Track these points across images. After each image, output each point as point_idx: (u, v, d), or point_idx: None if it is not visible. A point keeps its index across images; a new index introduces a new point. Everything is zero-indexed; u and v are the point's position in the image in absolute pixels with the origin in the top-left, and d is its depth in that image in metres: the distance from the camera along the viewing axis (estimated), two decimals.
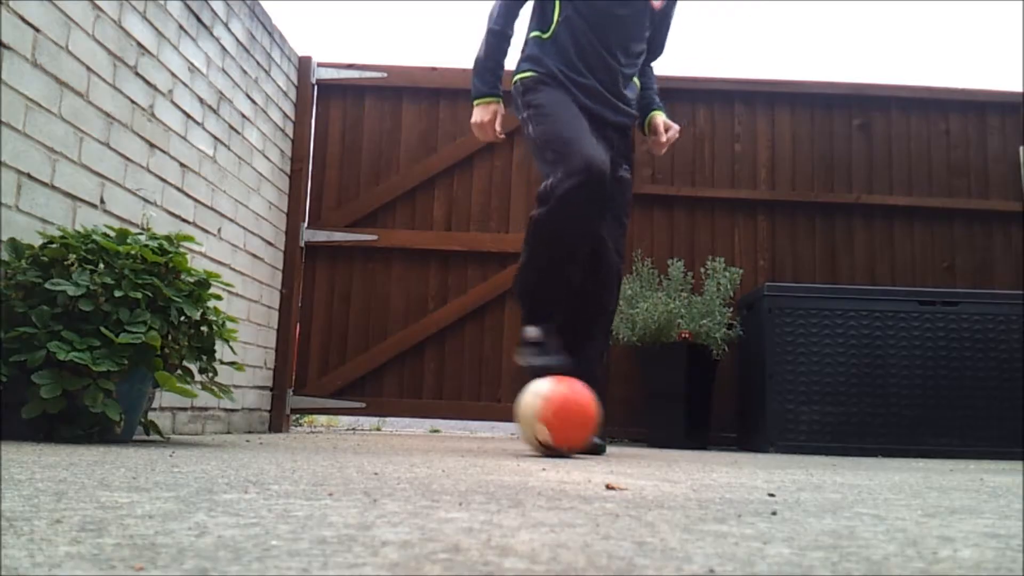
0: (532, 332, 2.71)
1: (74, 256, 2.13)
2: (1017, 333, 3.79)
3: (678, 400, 4.04)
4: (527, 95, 2.80)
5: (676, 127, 3.04)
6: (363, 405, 4.51)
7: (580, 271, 2.72)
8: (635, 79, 2.95)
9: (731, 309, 4.21)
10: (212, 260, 3.45)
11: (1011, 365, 3.76)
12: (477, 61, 2.86)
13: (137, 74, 2.89)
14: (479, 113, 2.84)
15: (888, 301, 3.86)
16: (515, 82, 2.88)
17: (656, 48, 3.07)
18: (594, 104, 2.79)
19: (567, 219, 2.58)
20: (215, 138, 3.49)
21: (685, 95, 4.71)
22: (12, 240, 2.15)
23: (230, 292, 3.59)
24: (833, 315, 3.85)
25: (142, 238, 2.27)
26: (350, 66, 4.75)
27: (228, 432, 3.71)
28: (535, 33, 2.86)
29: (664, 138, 3.00)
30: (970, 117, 4.81)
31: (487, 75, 2.84)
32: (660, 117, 3.04)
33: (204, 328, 2.37)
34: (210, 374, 2.41)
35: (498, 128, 2.86)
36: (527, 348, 2.72)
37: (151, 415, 2.65)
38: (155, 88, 3.01)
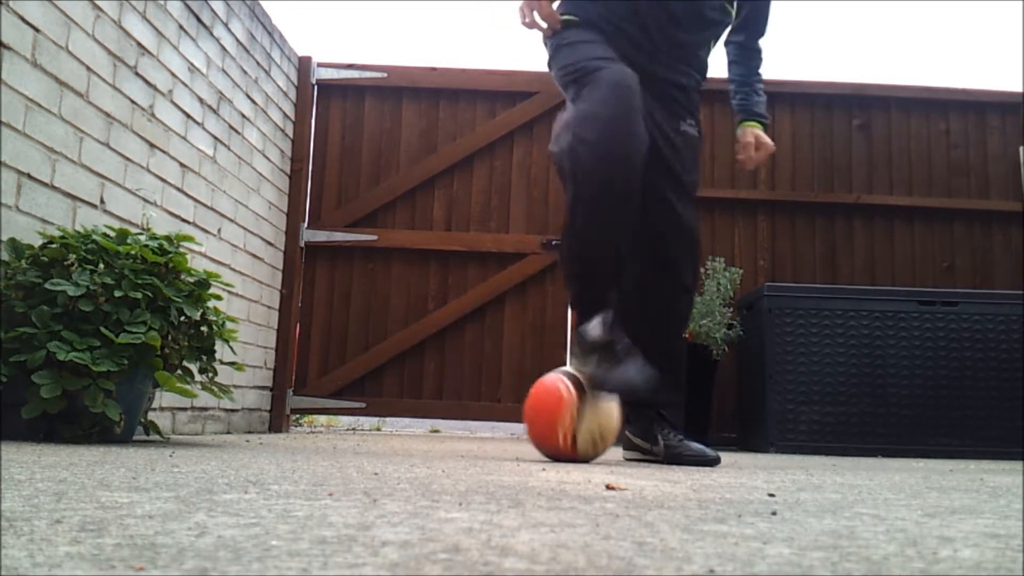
0: (594, 330, 2.07)
1: (74, 256, 2.13)
2: (1017, 333, 3.79)
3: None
4: (555, 36, 2.35)
5: (769, 146, 2.57)
6: (363, 405, 4.51)
7: (633, 221, 2.16)
8: (713, 43, 2.49)
9: (731, 309, 4.21)
10: (212, 260, 3.45)
11: (1011, 365, 3.76)
12: None
13: (137, 74, 2.89)
14: None
15: (888, 301, 3.86)
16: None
17: (754, 18, 2.55)
18: (640, 55, 2.31)
19: (597, 139, 2.06)
20: (215, 138, 3.49)
21: None
22: (12, 240, 2.15)
23: (230, 292, 3.59)
24: (833, 315, 3.85)
25: (142, 238, 2.27)
26: (350, 66, 4.75)
27: (228, 432, 3.71)
28: None
29: (752, 155, 2.55)
30: (970, 117, 4.81)
31: None
32: (751, 131, 2.56)
33: (204, 328, 2.37)
34: (210, 374, 2.41)
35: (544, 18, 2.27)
36: (590, 355, 2.07)
37: (151, 415, 2.65)
38: (155, 88, 3.01)
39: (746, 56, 2.61)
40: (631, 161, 2.10)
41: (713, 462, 2.22)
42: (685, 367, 2.49)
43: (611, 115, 2.09)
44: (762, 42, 2.64)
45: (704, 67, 2.51)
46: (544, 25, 2.30)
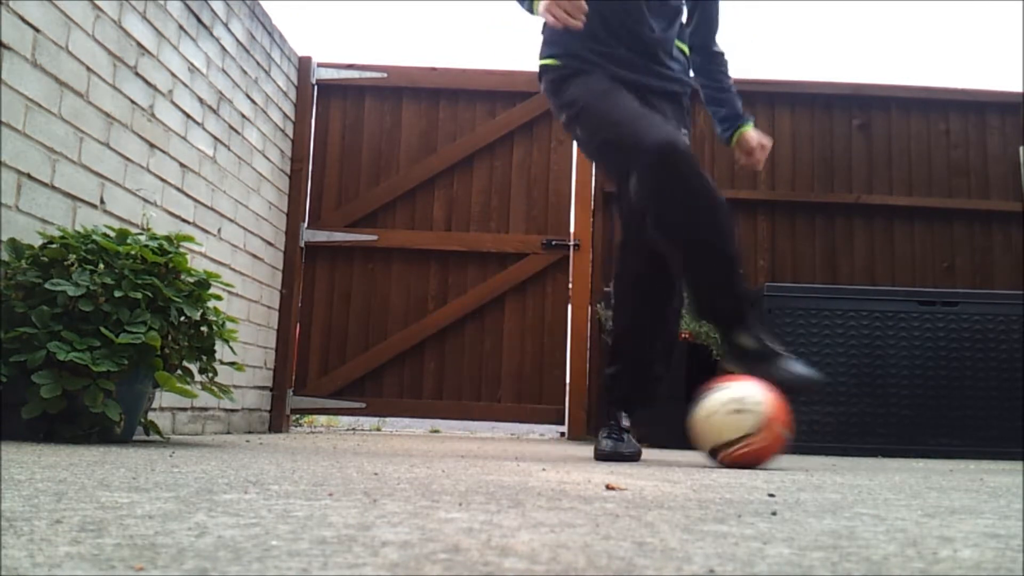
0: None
1: (74, 256, 2.13)
2: (1017, 333, 3.79)
3: (678, 400, 4.03)
4: (558, 96, 2.42)
5: (768, 141, 2.71)
6: (363, 405, 4.51)
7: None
8: (680, 46, 2.57)
9: None
10: (212, 260, 3.45)
11: (1011, 365, 3.76)
12: None
13: (137, 74, 2.89)
14: None
15: (888, 301, 3.86)
16: (540, 69, 2.51)
17: (706, 19, 2.62)
18: (632, 74, 2.39)
19: (677, 186, 2.14)
20: (215, 138, 3.49)
21: None
22: (12, 240, 2.15)
23: (230, 292, 3.59)
24: (833, 315, 3.85)
25: (142, 238, 2.27)
26: (350, 66, 4.75)
27: (228, 432, 3.71)
28: None
29: (759, 157, 2.68)
30: (970, 117, 4.81)
31: None
32: (750, 133, 2.68)
33: (204, 328, 2.37)
34: (210, 374, 2.41)
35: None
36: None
37: (151, 415, 2.65)
38: (155, 88, 3.01)
39: (712, 60, 2.67)
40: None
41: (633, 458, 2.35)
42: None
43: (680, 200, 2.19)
44: (719, 39, 2.70)
45: (687, 61, 2.59)
46: (573, 22, 2.21)
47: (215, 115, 3.50)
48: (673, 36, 2.50)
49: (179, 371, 2.33)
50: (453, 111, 4.74)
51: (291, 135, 4.48)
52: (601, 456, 2.35)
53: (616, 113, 2.26)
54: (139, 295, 2.09)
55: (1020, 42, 9.73)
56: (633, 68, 2.40)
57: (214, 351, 2.40)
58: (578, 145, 2.50)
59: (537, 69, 2.51)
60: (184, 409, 3.25)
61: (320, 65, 4.71)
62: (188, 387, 2.29)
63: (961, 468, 2.58)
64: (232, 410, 3.75)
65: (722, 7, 2.66)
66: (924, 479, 1.86)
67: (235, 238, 3.72)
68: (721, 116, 2.70)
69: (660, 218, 2.18)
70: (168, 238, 2.32)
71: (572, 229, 4.62)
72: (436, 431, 5.40)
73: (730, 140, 2.69)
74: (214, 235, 3.49)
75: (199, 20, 3.35)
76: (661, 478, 1.59)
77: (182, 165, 3.21)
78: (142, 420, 2.32)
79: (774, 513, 0.97)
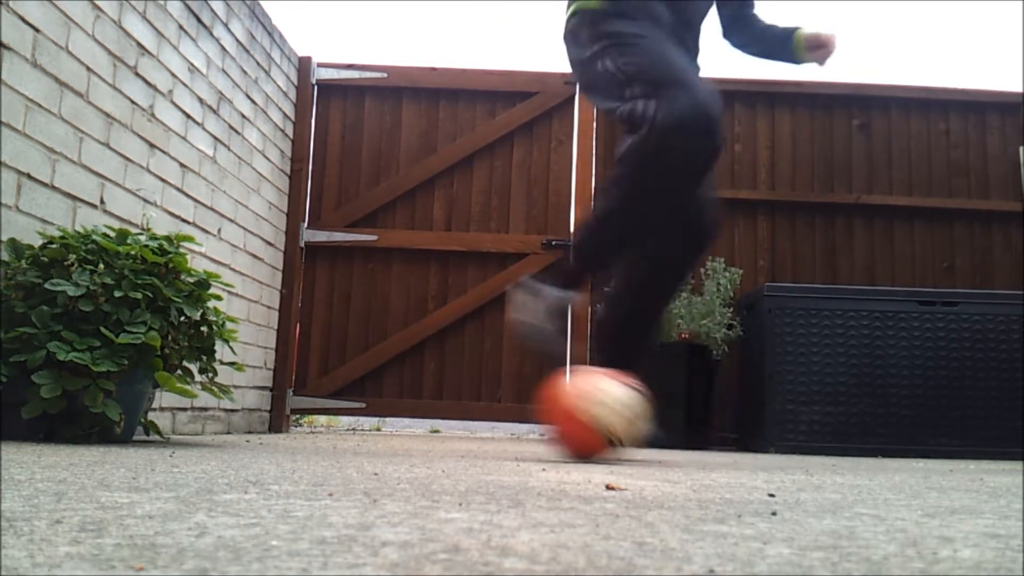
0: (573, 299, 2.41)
1: (74, 256, 2.13)
2: (1017, 333, 3.79)
3: (678, 401, 4.04)
4: (598, 24, 2.33)
5: (832, 33, 2.66)
6: (363, 405, 4.51)
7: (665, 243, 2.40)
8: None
9: (731, 309, 4.21)
10: (212, 260, 3.45)
11: (1011, 365, 3.76)
12: None
13: (137, 74, 2.89)
14: None
15: (888, 301, 3.86)
16: (574, 13, 2.41)
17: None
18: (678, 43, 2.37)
19: (668, 167, 2.16)
20: (215, 138, 3.49)
21: None
22: (12, 240, 2.15)
23: (230, 292, 3.59)
24: (833, 315, 3.85)
25: (142, 238, 2.27)
26: (350, 66, 4.75)
27: (228, 432, 3.71)
28: None
29: (831, 41, 2.64)
30: (970, 117, 4.81)
31: None
32: (807, 32, 2.66)
33: (204, 328, 2.37)
34: (210, 374, 2.41)
35: None
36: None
37: (151, 415, 2.65)
38: (155, 88, 3.01)
39: (751, 19, 2.73)
40: (680, 212, 2.35)
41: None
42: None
43: (685, 167, 2.21)
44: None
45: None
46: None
47: (215, 115, 3.50)
48: (706, 11, 2.51)
49: (179, 371, 2.33)
50: (453, 111, 4.74)
51: (291, 135, 4.48)
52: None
53: (668, 55, 2.23)
54: (139, 295, 2.09)
55: (1020, 42, 9.73)
56: (673, 35, 2.36)
57: (214, 351, 2.40)
58: (590, 79, 2.38)
59: (566, 18, 2.43)
60: (184, 409, 3.25)
61: (320, 65, 4.71)
62: (188, 387, 2.29)
63: (961, 468, 2.58)
64: (232, 410, 3.75)
65: None
66: (924, 479, 1.86)
67: (235, 238, 3.72)
68: (777, 40, 2.69)
69: (645, 180, 2.20)
70: (168, 238, 2.32)
71: (572, 229, 4.62)
72: (436, 431, 5.40)
73: (796, 52, 2.67)
74: (214, 235, 3.49)
75: (199, 20, 3.35)
76: (661, 478, 1.59)
77: (182, 165, 3.21)
78: (142, 420, 2.32)
79: (774, 513, 0.97)
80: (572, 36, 2.43)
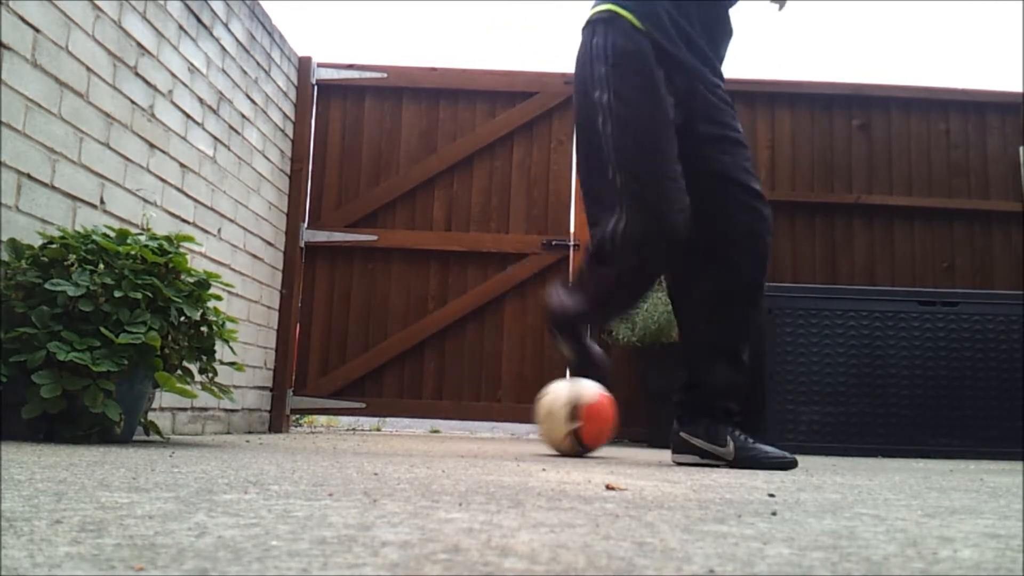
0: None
1: (74, 256, 2.13)
2: (1017, 333, 3.79)
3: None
4: (611, 65, 2.20)
5: None
6: (363, 405, 4.51)
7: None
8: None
9: None
10: (212, 260, 3.45)
11: (1011, 365, 3.76)
12: None
13: (137, 74, 2.89)
14: None
15: (888, 301, 3.86)
16: (595, 18, 2.27)
17: None
18: (693, 61, 2.28)
19: (627, 276, 2.25)
20: (215, 138, 3.49)
21: None
22: (12, 240, 2.15)
23: (230, 292, 3.59)
24: (833, 315, 3.85)
25: (142, 238, 2.27)
26: (350, 66, 4.75)
27: (228, 432, 3.71)
28: None
29: None
30: (970, 117, 4.81)
31: None
32: None
33: (204, 328, 2.37)
34: (210, 374, 2.41)
35: None
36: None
37: (151, 415, 2.65)
38: (155, 88, 3.01)
39: None
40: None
41: (792, 464, 2.11)
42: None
43: (641, 275, 2.30)
44: None
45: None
46: None
47: (215, 115, 3.50)
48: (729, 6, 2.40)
49: (179, 371, 2.33)
50: (453, 111, 4.74)
51: (291, 135, 4.48)
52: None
53: (660, 157, 2.17)
54: (139, 295, 2.09)
55: (1020, 42, 9.72)
56: (698, 53, 2.28)
57: (214, 351, 2.40)
58: (586, 121, 2.27)
59: (592, 15, 2.30)
60: (184, 409, 3.25)
61: (320, 65, 4.71)
62: (188, 387, 2.29)
63: (961, 468, 2.57)
64: (232, 410, 3.75)
65: None
66: (924, 479, 1.86)
67: (235, 238, 3.72)
68: None
69: (599, 279, 2.29)
70: (168, 238, 2.32)
71: (572, 229, 4.62)
72: (436, 431, 5.40)
73: None
74: (214, 235, 3.49)
75: (199, 20, 3.35)
76: (661, 478, 1.59)
77: (182, 165, 3.21)
78: (142, 420, 2.32)
79: (774, 513, 0.97)
80: (587, 61, 2.28)
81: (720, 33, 2.39)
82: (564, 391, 2.73)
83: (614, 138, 2.19)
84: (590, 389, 2.72)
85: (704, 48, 2.32)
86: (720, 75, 2.40)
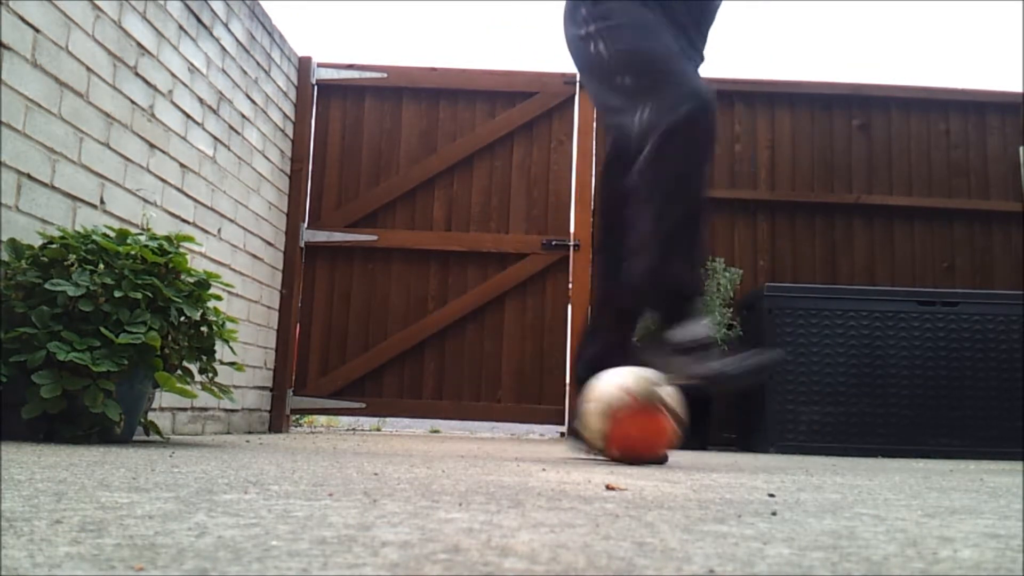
0: (699, 329, 2.04)
1: (74, 256, 2.13)
2: (1017, 333, 3.79)
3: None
4: (594, 4, 2.20)
5: None
6: (363, 405, 4.51)
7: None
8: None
9: (731, 310, 4.21)
10: (212, 260, 3.45)
11: (1011, 365, 3.76)
12: None
13: (137, 74, 2.89)
14: None
15: (888, 301, 3.86)
16: None
17: None
18: (681, 39, 2.24)
19: (686, 159, 2.02)
20: (215, 138, 3.49)
21: None
22: (12, 240, 2.15)
23: (230, 292, 3.59)
24: (833, 315, 3.85)
25: (142, 238, 2.27)
26: (350, 66, 4.75)
27: (228, 432, 3.71)
28: None
29: None
30: (970, 117, 4.81)
31: None
32: None
33: (204, 328, 2.37)
34: (210, 374, 2.41)
35: None
36: (697, 353, 2.01)
37: (151, 415, 2.65)
38: (155, 88, 3.01)
39: None
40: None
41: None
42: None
43: (699, 155, 2.09)
44: None
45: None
46: None
47: (215, 115, 3.50)
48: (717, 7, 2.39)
49: (179, 371, 2.33)
50: (453, 111, 4.74)
51: (291, 135, 4.48)
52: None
53: (661, 44, 2.11)
54: (139, 295, 2.09)
55: (1020, 42, 9.73)
56: (683, 33, 2.25)
57: (214, 351, 2.40)
58: (583, 61, 2.24)
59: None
60: (184, 409, 3.25)
61: (320, 65, 4.71)
62: (188, 387, 2.29)
63: (961, 468, 2.58)
64: (232, 410, 3.75)
65: None
66: (924, 479, 1.86)
67: (235, 238, 3.72)
68: None
69: (659, 169, 2.03)
70: (168, 238, 2.32)
71: (572, 229, 4.62)
72: (436, 431, 5.40)
73: None
74: (214, 235, 3.49)
75: (199, 20, 3.35)
76: (661, 478, 1.59)
77: (182, 165, 3.21)
78: (142, 420, 2.32)
79: (774, 513, 0.97)
80: (570, 13, 2.31)
81: (707, 16, 2.38)
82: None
83: (610, 50, 2.14)
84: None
85: (690, 24, 2.30)
86: (703, 56, 2.39)
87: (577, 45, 2.27)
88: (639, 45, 2.13)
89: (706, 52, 2.45)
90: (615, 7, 2.19)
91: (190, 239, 2.39)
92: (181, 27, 3.20)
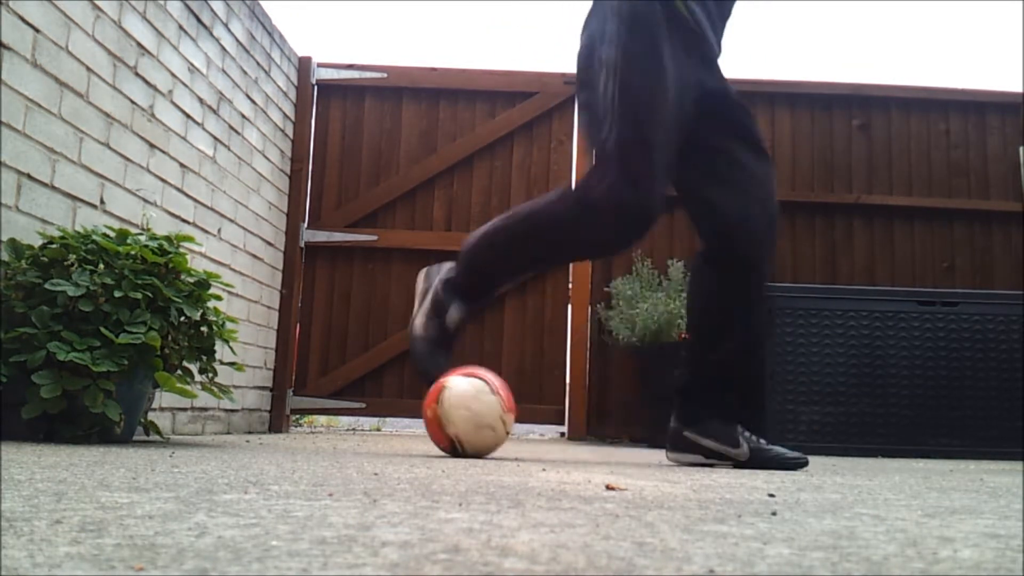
0: (455, 315, 2.37)
1: (74, 256, 2.13)
2: (1017, 333, 3.79)
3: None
4: (628, 26, 2.12)
5: None
6: (363, 405, 4.51)
7: None
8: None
9: None
10: (212, 260, 3.45)
11: (1011, 365, 3.76)
12: None
13: (137, 74, 2.89)
14: None
15: (888, 301, 3.86)
16: None
17: None
18: (707, 27, 2.22)
19: (592, 235, 2.14)
20: (215, 138, 3.49)
21: None
22: (12, 240, 2.15)
23: (230, 292, 3.59)
24: (833, 315, 3.85)
25: (142, 238, 2.27)
26: (350, 66, 4.75)
27: (228, 432, 3.71)
28: None
29: None
30: (970, 117, 4.81)
31: None
32: None
33: (204, 328, 2.36)
34: (210, 374, 2.41)
35: None
36: (434, 332, 2.35)
37: (151, 415, 2.65)
38: (155, 88, 3.01)
39: None
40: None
41: (805, 463, 2.13)
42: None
43: (604, 239, 2.18)
44: None
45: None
46: None
47: (215, 115, 3.50)
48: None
49: (179, 371, 2.33)
50: (453, 111, 4.74)
51: (291, 135, 4.48)
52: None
53: (654, 119, 2.09)
54: (139, 295, 2.09)
55: (1020, 42, 9.73)
56: (710, 20, 2.21)
57: (214, 351, 2.40)
58: (590, 75, 2.17)
59: None
60: (184, 409, 3.25)
61: (320, 65, 4.71)
62: (188, 387, 2.29)
63: (961, 468, 2.58)
64: (232, 410, 3.75)
65: None
66: (924, 479, 1.86)
67: (235, 238, 3.72)
68: None
69: (573, 222, 2.13)
70: (168, 238, 2.32)
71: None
72: None
73: None
74: (214, 235, 3.49)
75: (199, 20, 3.35)
76: (661, 478, 1.59)
77: (182, 165, 3.21)
78: (142, 420, 2.32)
79: (774, 513, 0.97)
80: (597, 14, 2.20)
81: (724, 14, 2.35)
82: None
83: (615, 98, 2.10)
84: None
85: (716, 19, 2.27)
86: (720, 48, 2.36)
87: (590, 56, 2.19)
88: (637, 107, 2.10)
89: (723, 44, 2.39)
90: (638, 43, 2.12)
91: (190, 239, 2.39)
92: (181, 27, 3.20)
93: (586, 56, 2.21)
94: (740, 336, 2.19)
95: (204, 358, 2.37)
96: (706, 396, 2.23)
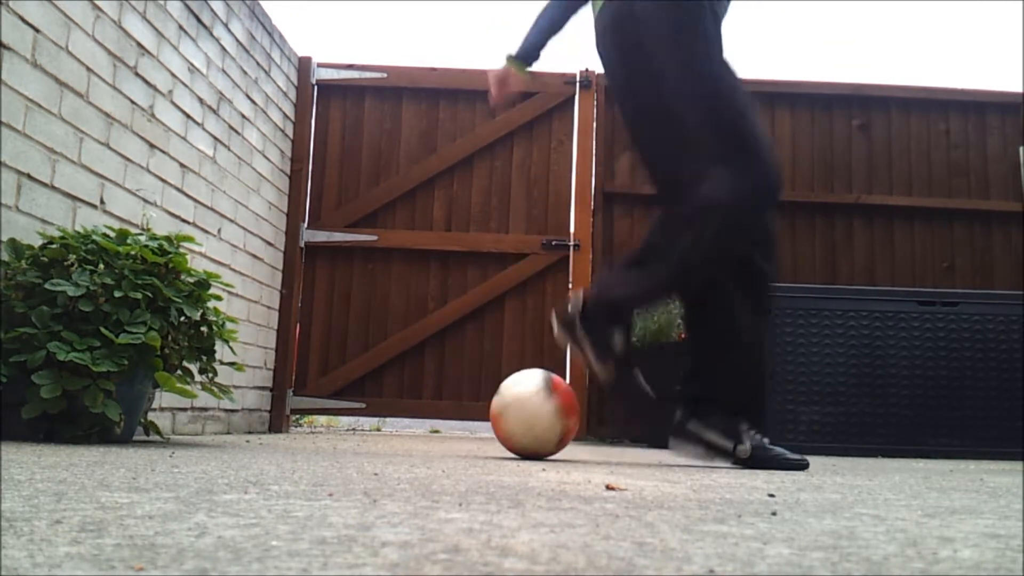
0: (618, 341, 2.20)
1: (74, 256, 2.13)
2: (1017, 333, 3.79)
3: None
4: (688, 15, 2.15)
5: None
6: (363, 405, 4.51)
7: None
8: None
9: None
10: (212, 260, 3.45)
11: (1011, 365, 3.76)
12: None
13: (137, 74, 2.89)
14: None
15: (888, 301, 3.86)
16: None
17: None
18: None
19: (739, 234, 2.14)
20: (215, 138, 3.49)
21: None
22: (12, 240, 2.15)
23: (230, 292, 3.59)
24: (833, 315, 3.85)
25: (142, 238, 2.27)
26: (350, 66, 4.75)
27: (228, 432, 3.71)
28: None
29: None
30: (970, 117, 4.81)
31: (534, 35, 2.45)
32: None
33: (204, 328, 2.36)
34: (210, 374, 2.41)
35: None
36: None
37: (151, 415, 2.65)
38: (155, 88, 3.01)
39: None
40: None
41: (805, 465, 2.13)
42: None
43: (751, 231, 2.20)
44: None
45: None
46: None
47: (215, 115, 3.49)
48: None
49: (179, 371, 2.33)
50: (453, 111, 4.75)
51: (291, 135, 4.48)
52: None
53: (746, 103, 2.17)
54: (139, 295, 2.09)
55: (1020, 42, 9.73)
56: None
57: (214, 351, 2.40)
58: (645, 63, 2.19)
59: None
60: (184, 409, 3.25)
61: (320, 65, 4.71)
62: (188, 387, 2.29)
63: (961, 468, 2.58)
64: (232, 410, 3.75)
65: None
66: (924, 479, 1.86)
67: (235, 238, 3.72)
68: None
69: (713, 243, 2.11)
70: (168, 238, 2.32)
71: (572, 229, 4.62)
72: (436, 431, 5.40)
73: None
74: (214, 235, 3.49)
75: (199, 20, 3.35)
76: (661, 478, 1.59)
77: (182, 165, 3.21)
78: (142, 420, 2.32)
79: (774, 513, 0.97)
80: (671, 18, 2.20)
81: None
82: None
83: (701, 92, 2.14)
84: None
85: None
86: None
87: (640, 58, 2.19)
88: (732, 98, 2.16)
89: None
90: (705, 31, 2.18)
91: (190, 239, 2.39)
92: (181, 27, 3.20)
93: (632, 59, 2.22)
94: (677, 261, 2.14)
95: (204, 358, 2.37)
96: (712, 390, 2.24)
